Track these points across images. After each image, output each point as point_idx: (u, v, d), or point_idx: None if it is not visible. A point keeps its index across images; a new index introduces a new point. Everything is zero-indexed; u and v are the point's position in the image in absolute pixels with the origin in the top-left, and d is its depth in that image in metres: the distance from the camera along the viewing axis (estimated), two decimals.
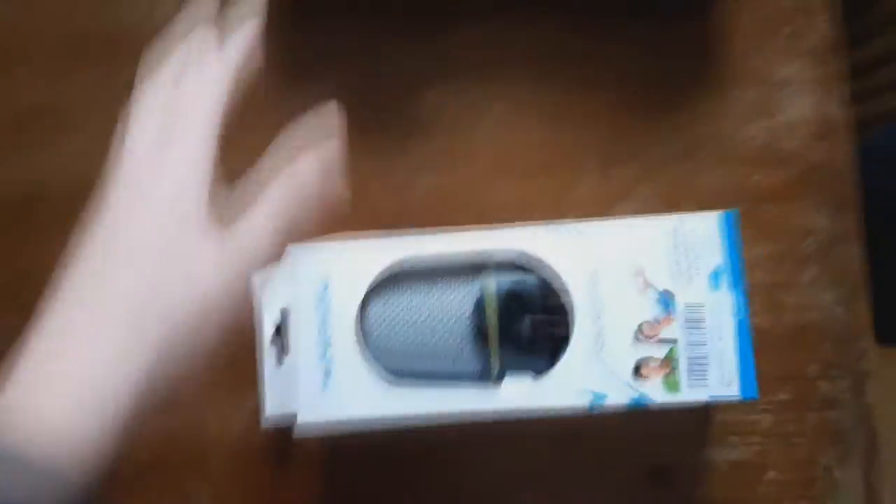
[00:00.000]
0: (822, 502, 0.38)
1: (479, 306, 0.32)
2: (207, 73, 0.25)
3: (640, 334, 0.31)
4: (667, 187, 0.40)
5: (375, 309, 0.32)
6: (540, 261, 0.32)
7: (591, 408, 0.30)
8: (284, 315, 0.32)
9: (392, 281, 0.32)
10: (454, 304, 0.32)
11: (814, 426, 0.38)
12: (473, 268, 0.32)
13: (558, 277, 0.31)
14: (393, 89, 0.41)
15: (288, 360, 0.31)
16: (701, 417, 0.38)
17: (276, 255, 0.25)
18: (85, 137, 0.40)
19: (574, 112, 0.40)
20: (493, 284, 0.32)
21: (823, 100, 0.41)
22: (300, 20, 0.41)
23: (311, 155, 0.26)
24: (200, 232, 0.23)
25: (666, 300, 0.31)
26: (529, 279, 0.32)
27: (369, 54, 0.41)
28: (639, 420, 0.38)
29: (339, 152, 0.27)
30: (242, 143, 0.40)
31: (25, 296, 0.38)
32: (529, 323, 0.32)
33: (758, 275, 0.39)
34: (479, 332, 0.32)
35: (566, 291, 0.31)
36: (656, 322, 0.31)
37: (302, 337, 0.31)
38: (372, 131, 0.40)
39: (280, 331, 0.32)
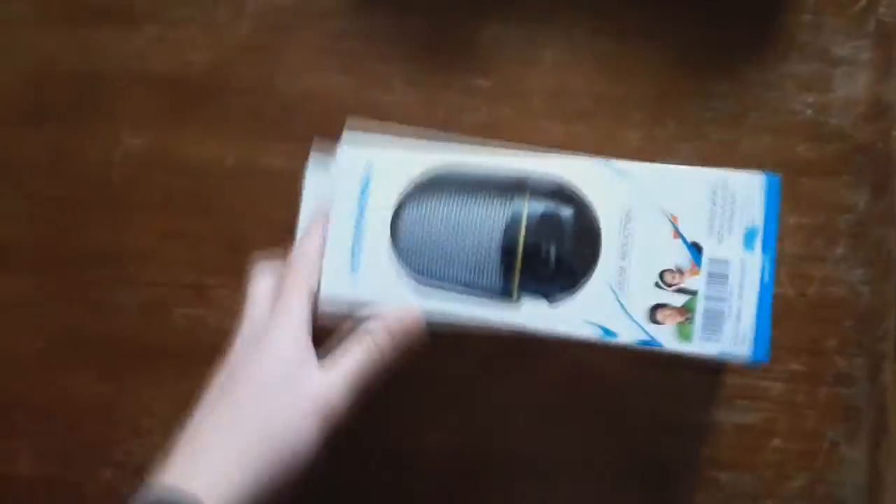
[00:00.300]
0: (823, 475, 0.38)
1: (511, 227, 0.32)
2: (308, 244, 0.33)
3: (662, 281, 0.32)
4: (708, 149, 0.40)
5: (411, 208, 0.33)
6: (577, 190, 0.32)
7: (603, 339, 0.31)
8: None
9: (432, 185, 0.33)
10: (487, 219, 0.33)
11: (825, 400, 0.38)
12: (512, 188, 0.33)
13: (592, 210, 0.32)
14: (453, 19, 0.41)
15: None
16: (712, 378, 0.39)
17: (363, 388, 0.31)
18: (144, 38, 0.42)
19: (626, 65, 0.41)
20: (527, 208, 0.33)
21: (877, 82, 0.41)
22: None
23: (399, 314, 0.32)
24: (301, 374, 0.30)
25: (694, 251, 0.32)
26: (563, 210, 0.33)
27: None
28: (651, 371, 0.39)
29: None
30: (307, 59, 0.41)
31: (70, 167, 0.41)
32: (555, 252, 0.32)
33: (788, 245, 0.39)
34: (507, 251, 0.32)
35: (597, 225, 0.32)
36: (680, 271, 0.32)
37: (338, 223, 0.32)
38: (427, 59, 0.41)
39: None
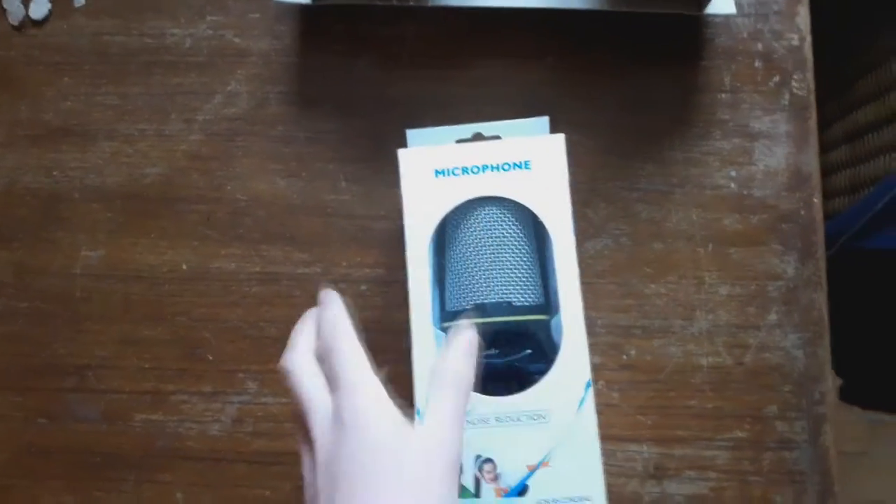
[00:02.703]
0: None
1: None
2: (330, 311, 0.30)
3: None
4: (637, 227, 0.42)
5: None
6: None
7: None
8: None
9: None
10: None
11: (770, 465, 0.39)
12: None
13: None
14: (391, 121, 0.43)
15: None
16: (660, 449, 0.40)
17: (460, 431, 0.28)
18: (100, 154, 0.44)
19: None
20: None
21: (796, 152, 0.43)
22: (313, 50, 0.44)
23: (456, 344, 0.30)
24: (401, 441, 0.27)
25: None
26: None
27: (376, 88, 0.44)
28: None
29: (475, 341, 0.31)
30: (256, 164, 0.43)
31: (33, 282, 0.43)
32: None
33: (722, 315, 0.41)
34: None
35: None
36: None
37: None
38: (368, 159, 0.43)
39: None
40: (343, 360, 0.28)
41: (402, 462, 0.26)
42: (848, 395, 0.72)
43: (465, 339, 0.30)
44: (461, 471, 0.32)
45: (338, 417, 0.27)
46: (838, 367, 0.68)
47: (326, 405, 0.28)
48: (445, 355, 0.30)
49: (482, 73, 0.44)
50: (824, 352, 0.40)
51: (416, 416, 0.32)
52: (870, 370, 0.68)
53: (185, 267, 0.43)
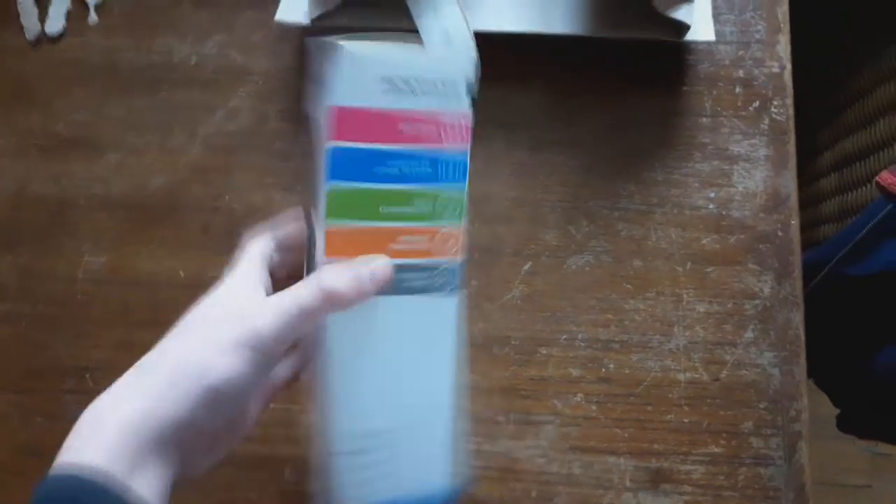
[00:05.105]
0: None
1: None
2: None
3: None
4: (618, 245, 0.43)
5: None
6: None
7: None
8: None
9: None
10: None
11: (745, 481, 0.40)
12: None
13: None
14: None
15: None
16: (637, 464, 0.40)
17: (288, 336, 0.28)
18: (106, 165, 0.46)
19: (540, 172, 0.45)
20: None
21: (774, 176, 0.44)
22: None
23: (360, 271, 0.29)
24: (229, 304, 0.29)
25: None
26: None
27: None
28: (575, 464, 0.40)
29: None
30: (253, 178, 0.45)
31: (37, 286, 0.44)
32: None
33: (699, 332, 0.42)
34: None
35: None
36: None
37: None
38: None
39: None
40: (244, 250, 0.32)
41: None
42: (845, 424, 0.72)
43: (369, 277, 0.28)
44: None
45: None
46: (834, 397, 0.68)
47: None
48: (345, 267, 0.28)
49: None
50: (800, 370, 0.41)
51: None
52: (862, 398, 0.68)
53: (182, 275, 0.44)
